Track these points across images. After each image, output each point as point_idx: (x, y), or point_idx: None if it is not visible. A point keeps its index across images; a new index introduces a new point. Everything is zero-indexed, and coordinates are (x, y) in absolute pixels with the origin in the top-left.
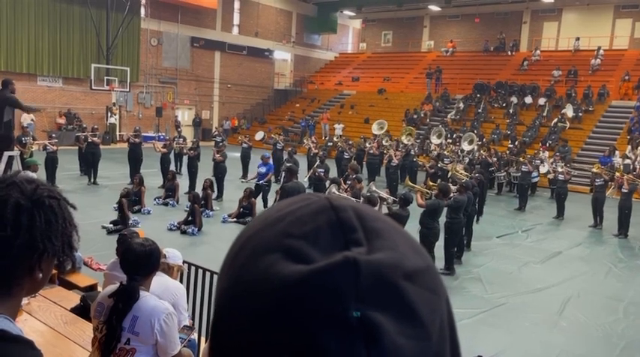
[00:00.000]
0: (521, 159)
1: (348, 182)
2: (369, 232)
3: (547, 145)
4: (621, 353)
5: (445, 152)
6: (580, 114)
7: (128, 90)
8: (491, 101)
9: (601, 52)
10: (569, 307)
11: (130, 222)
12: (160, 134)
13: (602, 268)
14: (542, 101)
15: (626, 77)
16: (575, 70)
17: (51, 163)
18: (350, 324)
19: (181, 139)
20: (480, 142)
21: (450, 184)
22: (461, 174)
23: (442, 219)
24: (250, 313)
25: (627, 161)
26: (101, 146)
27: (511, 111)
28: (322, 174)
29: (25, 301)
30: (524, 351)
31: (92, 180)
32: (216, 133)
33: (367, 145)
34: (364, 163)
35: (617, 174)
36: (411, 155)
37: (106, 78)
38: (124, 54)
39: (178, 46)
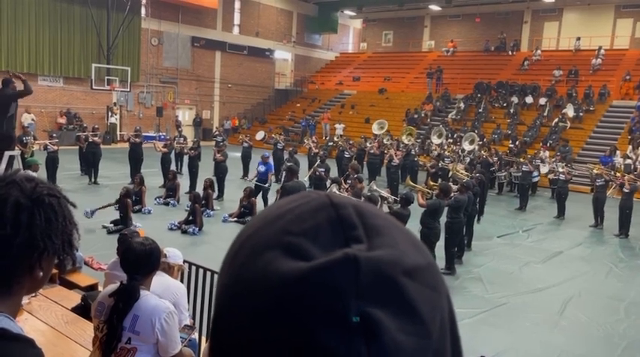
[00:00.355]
0: (521, 159)
1: (349, 182)
2: (369, 229)
3: (548, 144)
4: (622, 353)
5: (446, 152)
6: (581, 114)
7: (129, 90)
8: (492, 101)
9: (602, 51)
10: (570, 307)
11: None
12: (160, 134)
13: (603, 268)
14: (542, 101)
15: (627, 77)
16: (576, 69)
17: (52, 163)
18: (350, 321)
19: (182, 139)
20: (480, 142)
21: (450, 184)
22: (461, 174)
23: (443, 219)
24: (250, 311)
25: (628, 161)
26: (102, 146)
27: (512, 111)
28: (323, 173)
29: (25, 300)
30: (525, 351)
31: (93, 180)
32: (217, 132)
33: (368, 144)
34: (365, 162)
35: (618, 174)
36: (412, 155)
37: (106, 78)
38: (124, 54)
39: (179, 46)
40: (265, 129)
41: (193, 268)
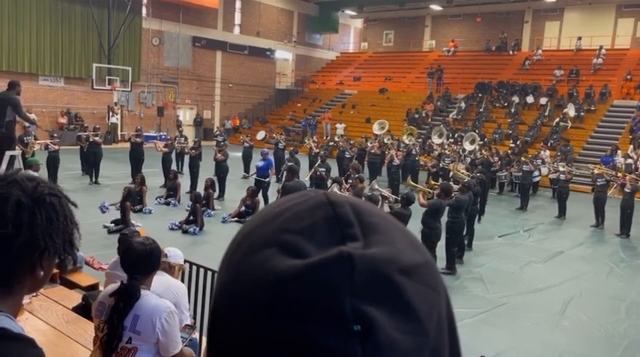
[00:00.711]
0: (522, 158)
1: (350, 182)
2: (365, 227)
3: (549, 144)
4: (623, 353)
5: (446, 152)
6: (582, 113)
7: (130, 89)
8: (493, 101)
9: (603, 51)
10: (571, 306)
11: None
12: (161, 134)
13: (604, 267)
14: (543, 101)
15: (628, 77)
16: (577, 69)
17: (53, 163)
18: (345, 319)
19: (183, 139)
20: (481, 142)
21: (451, 184)
22: (462, 173)
23: (444, 218)
24: (249, 310)
25: (629, 161)
26: (103, 146)
27: (513, 110)
28: (324, 173)
29: (26, 300)
30: (526, 351)
31: (94, 179)
32: (218, 132)
33: (369, 144)
34: (366, 162)
35: (620, 174)
36: (413, 155)
37: (107, 77)
38: (125, 53)
39: (180, 46)
40: (266, 129)
41: (194, 267)
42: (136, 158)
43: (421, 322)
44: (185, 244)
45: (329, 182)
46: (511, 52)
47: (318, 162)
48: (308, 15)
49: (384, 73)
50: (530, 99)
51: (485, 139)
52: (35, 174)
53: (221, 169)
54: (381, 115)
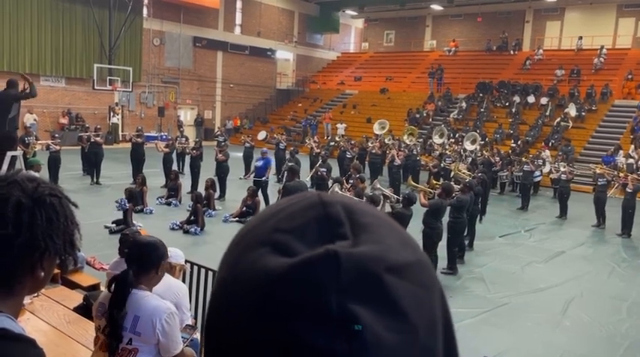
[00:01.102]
0: (523, 158)
1: (351, 182)
2: (355, 226)
3: (550, 144)
4: (625, 353)
5: (447, 152)
6: (583, 113)
7: (130, 90)
8: (494, 101)
9: (604, 51)
10: (572, 306)
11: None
12: (162, 134)
13: (606, 267)
14: (544, 100)
15: (629, 76)
16: (578, 69)
17: (54, 163)
18: (331, 317)
19: (184, 139)
20: (482, 142)
21: (453, 184)
22: (463, 173)
23: (445, 218)
24: (246, 310)
25: (630, 160)
26: (104, 146)
27: (514, 110)
28: (325, 173)
29: (27, 300)
30: (527, 351)
31: (95, 180)
32: (219, 132)
33: (370, 144)
34: (367, 162)
35: (621, 174)
36: (414, 155)
37: (108, 78)
38: (126, 54)
39: (181, 46)
40: (267, 129)
41: (195, 268)
42: (137, 158)
43: (409, 320)
44: (186, 245)
45: (330, 182)
46: (512, 52)
47: (319, 162)
48: (309, 15)
49: (384, 73)
50: (531, 99)
51: (487, 139)
52: (36, 174)
53: (222, 170)
54: (382, 115)
